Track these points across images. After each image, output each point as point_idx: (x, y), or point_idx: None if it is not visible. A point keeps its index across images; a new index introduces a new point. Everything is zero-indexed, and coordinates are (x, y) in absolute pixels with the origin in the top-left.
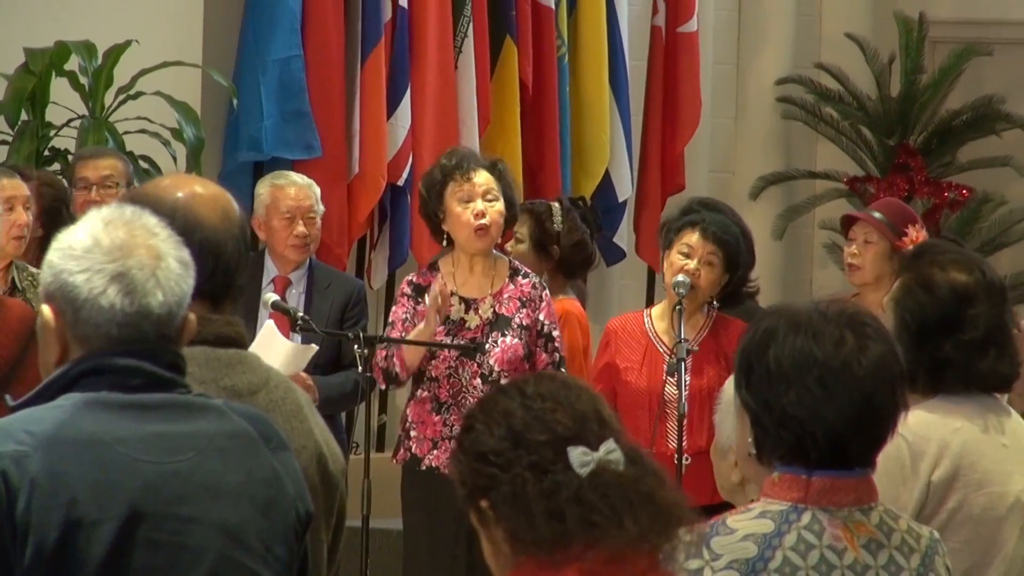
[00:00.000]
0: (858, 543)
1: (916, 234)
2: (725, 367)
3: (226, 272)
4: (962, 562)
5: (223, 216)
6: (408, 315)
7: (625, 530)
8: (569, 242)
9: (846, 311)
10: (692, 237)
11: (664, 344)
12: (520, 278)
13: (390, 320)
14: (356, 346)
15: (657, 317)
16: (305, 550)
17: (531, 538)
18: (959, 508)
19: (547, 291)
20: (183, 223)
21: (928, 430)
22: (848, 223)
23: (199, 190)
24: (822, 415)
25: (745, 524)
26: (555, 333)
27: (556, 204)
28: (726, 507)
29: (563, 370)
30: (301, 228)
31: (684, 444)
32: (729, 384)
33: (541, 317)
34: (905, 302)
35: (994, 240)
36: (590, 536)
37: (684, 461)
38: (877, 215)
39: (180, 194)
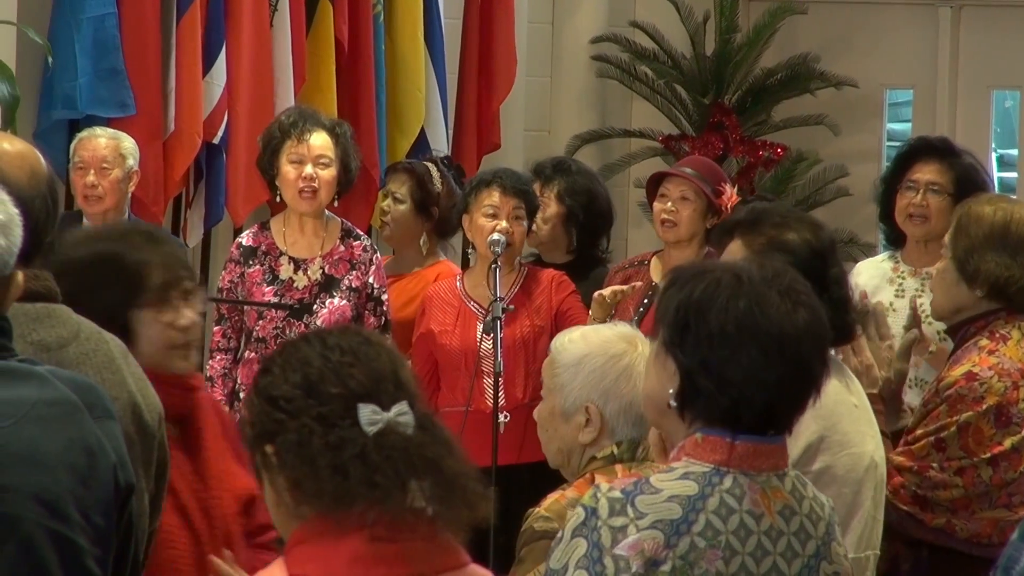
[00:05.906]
0: (774, 509)
1: (730, 193)
2: (536, 320)
3: (33, 230)
4: None
5: (31, 174)
6: (234, 281)
7: (407, 494)
8: (448, 203)
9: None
10: (493, 196)
11: (476, 303)
12: (352, 240)
13: (219, 288)
14: None
15: (468, 278)
16: (129, 519)
17: (313, 490)
18: (826, 469)
19: (378, 254)
20: None
21: None
22: (659, 180)
23: (6, 147)
24: (761, 381)
25: (669, 484)
26: (384, 296)
27: (432, 165)
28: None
29: (388, 334)
30: (91, 178)
31: (503, 401)
32: (566, 344)
33: (371, 280)
34: None
35: (808, 199)
36: (372, 497)
37: (503, 418)
38: (692, 172)
39: None
